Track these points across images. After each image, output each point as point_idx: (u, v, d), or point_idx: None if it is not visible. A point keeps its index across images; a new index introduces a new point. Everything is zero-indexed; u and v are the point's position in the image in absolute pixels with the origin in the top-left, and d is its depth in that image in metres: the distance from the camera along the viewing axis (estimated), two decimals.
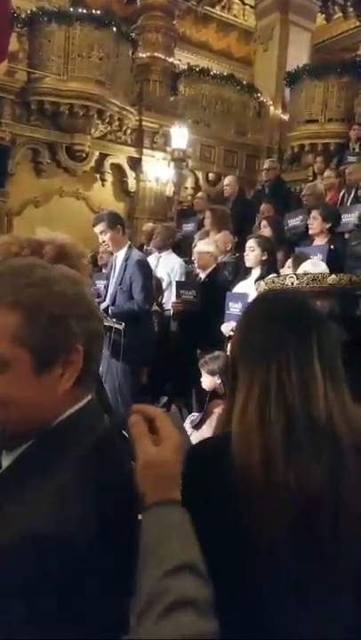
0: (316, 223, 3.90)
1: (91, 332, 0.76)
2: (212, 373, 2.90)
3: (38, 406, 0.72)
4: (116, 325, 3.43)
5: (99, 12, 7.72)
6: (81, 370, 0.74)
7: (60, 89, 7.19)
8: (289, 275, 2.76)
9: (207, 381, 2.95)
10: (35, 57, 7.29)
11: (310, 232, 4.03)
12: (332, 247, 3.76)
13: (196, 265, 4.48)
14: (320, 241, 3.94)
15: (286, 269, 3.36)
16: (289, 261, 3.23)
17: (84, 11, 7.60)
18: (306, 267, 2.81)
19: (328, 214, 3.92)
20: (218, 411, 2.82)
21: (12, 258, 0.80)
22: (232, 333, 3.63)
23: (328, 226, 3.91)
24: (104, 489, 0.67)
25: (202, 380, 3.00)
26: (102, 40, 7.39)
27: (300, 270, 2.80)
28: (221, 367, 2.86)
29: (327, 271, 2.79)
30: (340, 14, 10.54)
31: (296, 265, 3.05)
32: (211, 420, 2.84)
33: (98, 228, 3.62)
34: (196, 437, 2.82)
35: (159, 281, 4.74)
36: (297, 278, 2.63)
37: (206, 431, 2.80)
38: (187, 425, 2.93)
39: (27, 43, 7.29)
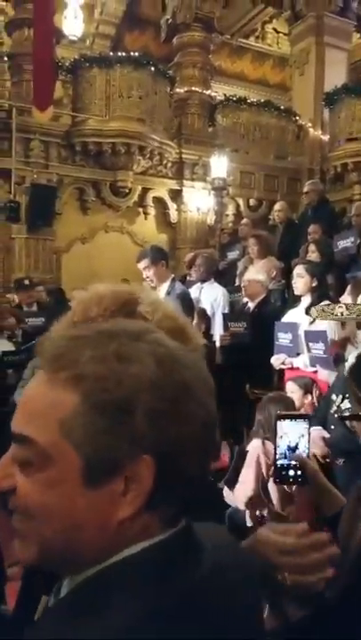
0: None
1: (173, 437, 0.51)
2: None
3: (81, 532, 0.50)
4: None
5: (137, 53, 8.00)
6: (155, 491, 0.50)
7: (102, 129, 7.45)
8: (338, 304, 2.62)
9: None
10: (78, 101, 7.63)
11: None
12: None
13: (244, 294, 4.36)
14: None
15: (346, 297, 3.19)
16: (349, 288, 3.07)
17: (123, 54, 7.90)
18: None
19: None
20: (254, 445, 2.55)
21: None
22: (283, 366, 3.45)
23: None
24: None
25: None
26: (141, 79, 7.64)
27: (360, 300, 2.64)
28: (268, 417, 2.51)
29: None
30: None
31: (356, 292, 2.89)
32: (249, 461, 2.55)
33: (142, 264, 3.57)
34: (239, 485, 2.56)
35: (205, 311, 4.64)
36: (347, 308, 2.49)
37: (248, 475, 2.52)
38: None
39: (70, 88, 7.65)
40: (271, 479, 1.08)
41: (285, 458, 0.99)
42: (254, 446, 2.57)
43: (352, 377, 1.02)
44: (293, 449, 1.00)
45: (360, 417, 0.94)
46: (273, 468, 1.00)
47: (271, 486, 2.33)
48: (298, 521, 0.81)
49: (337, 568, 0.87)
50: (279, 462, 0.98)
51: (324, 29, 9.30)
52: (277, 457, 0.97)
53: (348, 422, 2.18)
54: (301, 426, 1.02)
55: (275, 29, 12.25)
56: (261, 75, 13.20)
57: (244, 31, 11.96)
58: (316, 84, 9.34)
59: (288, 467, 0.98)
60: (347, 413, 2.16)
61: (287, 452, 0.99)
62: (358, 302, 2.53)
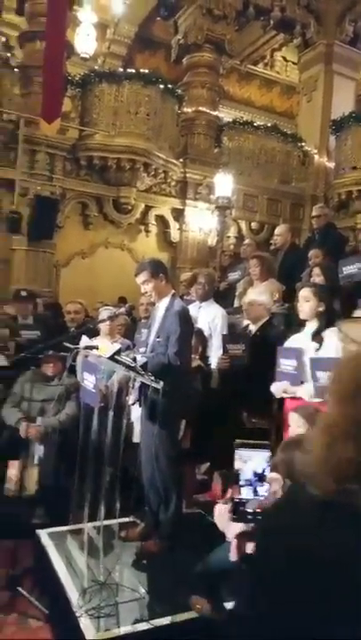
0: None
1: None
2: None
3: None
4: (154, 384, 2.94)
5: (146, 70, 8.03)
6: None
7: (108, 144, 7.42)
8: None
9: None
10: (86, 115, 7.62)
11: None
12: None
13: (246, 316, 4.17)
14: None
15: None
16: None
17: (133, 70, 7.92)
18: None
19: None
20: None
21: None
22: (284, 395, 3.21)
23: None
24: None
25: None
26: (149, 97, 7.64)
27: None
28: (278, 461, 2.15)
29: None
30: None
31: None
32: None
33: (140, 278, 3.34)
34: None
35: (202, 332, 4.44)
36: None
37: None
38: None
39: (79, 103, 7.64)
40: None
41: (251, 485, 0.98)
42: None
43: None
44: (260, 475, 0.99)
45: None
46: (231, 503, 1.00)
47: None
48: None
49: None
50: (237, 497, 0.98)
51: (334, 57, 9.42)
52: (242, 483, 0.98)
53: None
54: (264, 455, 1.00)
55: (283, 57, 12.41)
56: (268, 101, 13.33)
57: (253, 58, 12.11)
58: (324, 111, 9.40)
59: (247, 502, 0.99)
60: None
61: (253, 479, 0.99)
62: None
